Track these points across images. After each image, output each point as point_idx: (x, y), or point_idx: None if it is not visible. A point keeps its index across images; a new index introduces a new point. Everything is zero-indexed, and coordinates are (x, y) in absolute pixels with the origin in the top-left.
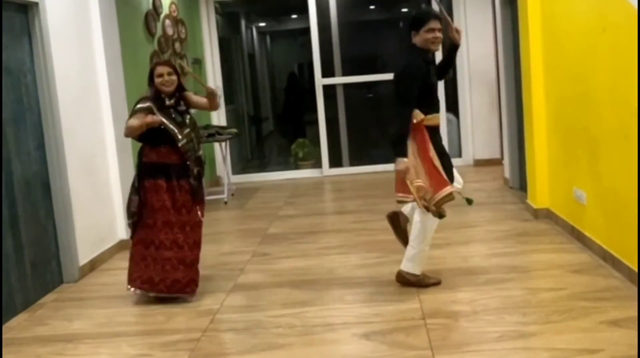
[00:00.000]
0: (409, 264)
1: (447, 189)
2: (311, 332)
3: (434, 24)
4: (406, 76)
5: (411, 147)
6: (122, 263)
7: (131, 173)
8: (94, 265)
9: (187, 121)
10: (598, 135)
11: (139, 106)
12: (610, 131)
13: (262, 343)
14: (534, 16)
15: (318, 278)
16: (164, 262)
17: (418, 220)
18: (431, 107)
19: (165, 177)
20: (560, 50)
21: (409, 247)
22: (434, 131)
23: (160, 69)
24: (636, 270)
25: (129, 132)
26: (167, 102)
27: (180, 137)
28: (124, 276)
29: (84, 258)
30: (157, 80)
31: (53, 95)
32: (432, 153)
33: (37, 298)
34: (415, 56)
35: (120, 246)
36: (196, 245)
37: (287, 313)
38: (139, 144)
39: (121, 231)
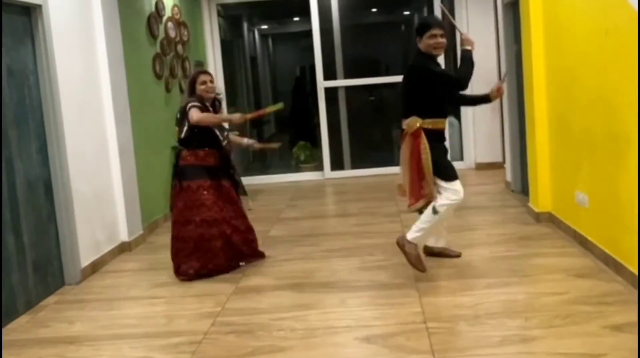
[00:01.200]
0: (414, 234)
1: (412, 208)
2: (313, 335)
3: (436, 31)
4: (421, 68)
5: (404, 150)
6: (124, 265)
7: (133, 175)
8: (95, 267)
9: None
10: (600, 139)
11: (193, 103)
12: (612, 134)
13: (264, 346)
14: (536, 20)
15: (319, 281)
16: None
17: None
18: (433, 111)
19: (206, 177)
20: (562, 53)
21: (419, 222)
22: (436, 136)
23: (204, 77)
24: (638, 273)
25: (208, 121)
26: (211, 108)
27: (222, 138)
28: (126, 278)
29: (85, 260)
30: (202, 87)
31: (55, 97)
32: (425, 163)
33: (39, 300)
34: (420, 58)
35: (122, 248)
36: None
37: (288, 316)
38: (142, 147)
39: (123, 233)
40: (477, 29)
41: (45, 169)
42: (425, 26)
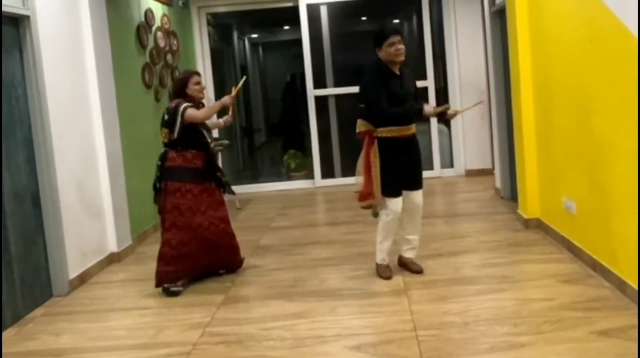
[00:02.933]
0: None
1: (363, 204)
2: (302, 345)
3: (394, 38)
4: (366, 87)
5: (363, 151)
6: (112, 276)
7: (122, 185)
8: (84, 278)
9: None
10: (586, 145)
11: (185, 104)
12: (598, 141)
13: (254, 356)
14: (523, 28)
15: (309, 290)
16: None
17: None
18: (393, 119)
19: (192, 180)
20: (549, 61)
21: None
22: (391, 143)
23: (198, 78)
24: (625, 279)
25: (209, 113)
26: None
27: (209, 140)
28: (114, 289)
29: (73, 271)
30: (196, 87)
31: (44, 108)
32: (374, 166)
33: (26, 312)
34: (373, 69)
35: (110, 259)
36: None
37: (278, 325)
38: (131, 157)
39: (112, 243)
40: (465, 37)
41: (33, 180)
42: (383, 36)
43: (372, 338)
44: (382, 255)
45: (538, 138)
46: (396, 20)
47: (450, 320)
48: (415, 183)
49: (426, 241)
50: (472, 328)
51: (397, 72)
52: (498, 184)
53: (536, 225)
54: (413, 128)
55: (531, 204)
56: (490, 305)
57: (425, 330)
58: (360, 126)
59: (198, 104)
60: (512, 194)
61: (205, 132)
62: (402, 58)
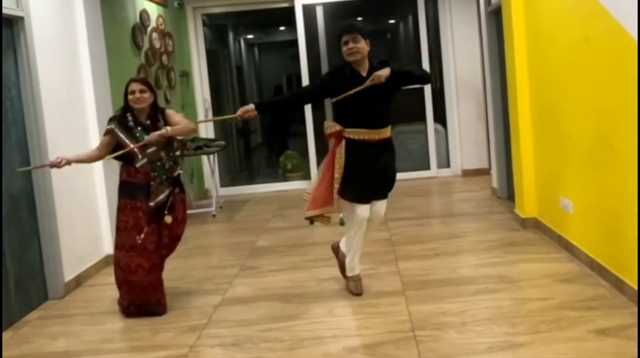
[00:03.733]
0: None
1: (315, 212)
2: (299, 346)
3: (346, 37)
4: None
5: (329, 152)
6: (108, 278)
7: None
8: (79, 281)
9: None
10: (582, 144)
11: (106, 127)
12: (594, 140)
13: None
14: (519, 28)
15: (306, 291)
16: (131, 285)
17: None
18: (353, 121)
19: (130, 196)
20: (545, 61)
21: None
22: (358, 145)
23: (133, 86)
24: (623, 277)
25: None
26: (131, 122)
27: (140, 157)
28: (110, 292)
29: (69, 274)
30: (129, 97)
31: (38, 109)
32: (336, 168)
33: (21, 315)
34: (335, 69)
35: (106, 261)
36: (153, 269)
37: (275, 327)
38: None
39: (107, 246)
40: (461, 37)
41: (28, 183)
42: (338, 35)
43: (370, 339)
44: (352, 264)
45: (535, 137)
46: (392, 21)
47: (448, 320)
48: (380, 191)
49: (423, 241)
50: (470, 329)
51: (364, 74)
52: (495, 183)
53: (533, 225)
54: (384, 132)
55: (528, 204)
56: (488, 305)
57: (423, 331)
58: (328, 127)
59: (129, 116)
60: (509, 194)
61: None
62: (356, 57)
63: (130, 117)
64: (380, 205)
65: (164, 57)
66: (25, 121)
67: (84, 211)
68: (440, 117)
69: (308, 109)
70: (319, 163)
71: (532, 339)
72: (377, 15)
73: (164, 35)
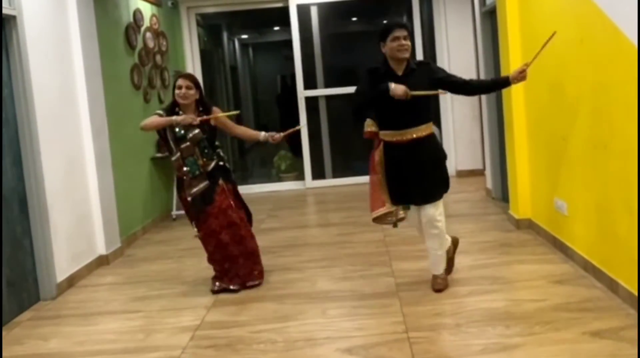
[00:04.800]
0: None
1: (377, 212)
2: (293, 348)
3: (399, 32)
4: (356, 90)
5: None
6: (101, 279)
7: (111, 187)
8: (72, 282)
9: (191, 135)
10: (577, 145)
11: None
12: (589, 141)
13: None
14: (513, 29)
15: (300, 292)
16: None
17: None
18: (381, 122)
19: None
20: (540, 61)
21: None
22: (391, 147)
23: (180, 82)
24: (617, 279)
25: (154, 124)
26: (179, 118)
27: (174, 151)
28: (103, 292)
29: (61, 275)
30: (176, 91)
31: (30, 109)
32: (377, 170)
33: (13, 316)
34: (367, 72)
35: (99, 261)
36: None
37: (268, 328)
38: (120, 158)
39: (100, 246)
40: (456, 38)
41: (19, 183)
42: (387, 29)
43: (364, 341)
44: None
45: (529, 138)
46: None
47: (442, 322)
48: (418, 196)
49: (417, 242)
50: (464, 330)
51: (399, 73)
52: (489, 184)
53: (527, 226)
54: (415, 132)
55: (522, 205)
56: (482, 306)
57: (417, 332)
58: (367, 125)
59: (178, 110)
60: (503, 195)
61: (170, 139)
62: (406, 55)
63: (178, 111)
64: (424, 210)
65: (158, 57)
66: (17, 120)
67: (76, 211)
68: (435, 118)
69: (302, 110)
70: (313, 164)
71: (526, 341)
72: (372, 16)
73: (157, 35)
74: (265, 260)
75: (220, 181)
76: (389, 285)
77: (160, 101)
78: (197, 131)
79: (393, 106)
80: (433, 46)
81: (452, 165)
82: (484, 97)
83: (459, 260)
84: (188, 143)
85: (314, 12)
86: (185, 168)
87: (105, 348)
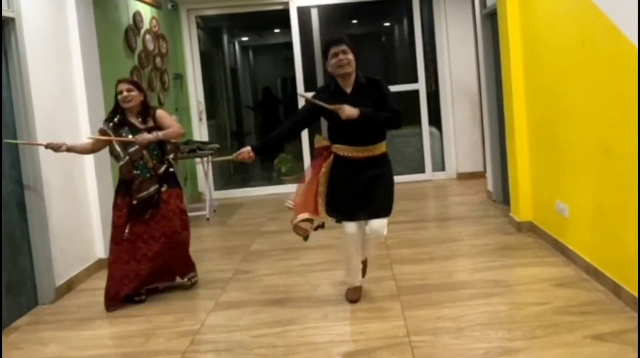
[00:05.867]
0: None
1: (305, 215)
2: (294, 352)
3: (336, 48)
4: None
5: (315, 160)
6: (100, 282)
7: (110, 190)
8: (71, 286)
9: (132, 150)
10: (578, 148)
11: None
12: (590, 144)
13: None
14: (514, 31)
15: (301, 295)
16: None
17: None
18: (338, 137)
19: (122, 193)
20: (540, 64)
21: None
22: (345, 162)
23: (121, 86)
24: (619, 282)
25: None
26: (116, 120)
27: (122, 156)
28: (102, 296)
29: (60, 279)
30: (118, 96)
31: (29, 112)
32: (322, 180)
33: (11, 321)
34: (323, 87)
35: (98, 265)
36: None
37: (269, 332)
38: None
39: (99, 250)
40: (456, 40)
41: (18, 187)
42: (326, 46)
43: (365, 345)
44: (350, 277)
45: (530, 141)
46: (387, 24)
47: (443, 326)
48: (367, 209)
49: (418, 245)
50: (466, 334)
51: (348, 91)
52: (490, 187)
53: (529, 228)
54: (372, 150)
55: (523, 208)
56: (484, 310)
57: (418, 336)
58: (318, 141)
59: (118, 116)
60: (504, 198)
61: (117, 146)
62: (347, 69)
63: (118, 117)
64: (375, 224)
65: (158, 60)
66: (16, 124)
67: (75, 215)
68: (435, 120)
69: None
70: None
71: (528, 344)
72: (372, 18)
73: (157, 37)
74: (265, 264)
75: (165, 187)
76: (390, 288)
77: (161, 104)
78: (136, 147)
79: (356, 123)
80: (433, 48)
81: (453, 167)
82: (484, 98)
83: (460, 263)
84: (136, 147)
85: (314, 15)
86: (135, 171)
87: (105, 352)
